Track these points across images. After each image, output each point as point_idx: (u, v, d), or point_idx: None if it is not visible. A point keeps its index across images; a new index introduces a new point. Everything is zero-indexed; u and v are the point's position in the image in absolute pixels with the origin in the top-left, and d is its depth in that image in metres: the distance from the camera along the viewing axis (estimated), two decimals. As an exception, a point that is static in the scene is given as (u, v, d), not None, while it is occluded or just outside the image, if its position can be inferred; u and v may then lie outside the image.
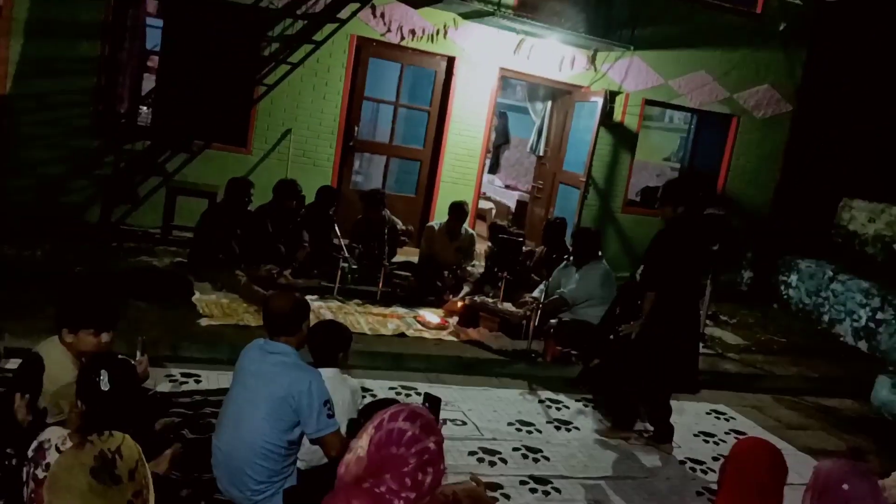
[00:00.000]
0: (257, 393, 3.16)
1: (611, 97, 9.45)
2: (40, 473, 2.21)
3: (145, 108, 8.85)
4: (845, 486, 2.34)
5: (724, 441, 5.21)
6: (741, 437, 5.27)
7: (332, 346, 3.66)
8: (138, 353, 3.50)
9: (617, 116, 9.69)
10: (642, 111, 9.89)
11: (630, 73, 9.64)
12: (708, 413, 5.74)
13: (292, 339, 3.32)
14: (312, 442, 3.21)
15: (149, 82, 8.87)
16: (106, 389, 2.31)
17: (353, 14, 7.93)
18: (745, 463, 2.40)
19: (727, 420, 5.68)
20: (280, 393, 3.11)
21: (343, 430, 3.28)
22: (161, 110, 8.42)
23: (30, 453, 2.48)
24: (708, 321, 7.63)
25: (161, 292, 5.90)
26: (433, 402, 2.91)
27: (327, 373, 3.51)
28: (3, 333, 2.69)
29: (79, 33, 7.52)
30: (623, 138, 9.82)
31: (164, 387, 4.51)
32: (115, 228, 7.55)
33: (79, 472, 1.72)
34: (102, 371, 2.35)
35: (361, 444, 2.06)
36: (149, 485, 1.88)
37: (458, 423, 4.77)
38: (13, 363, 3.18)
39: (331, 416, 3.14)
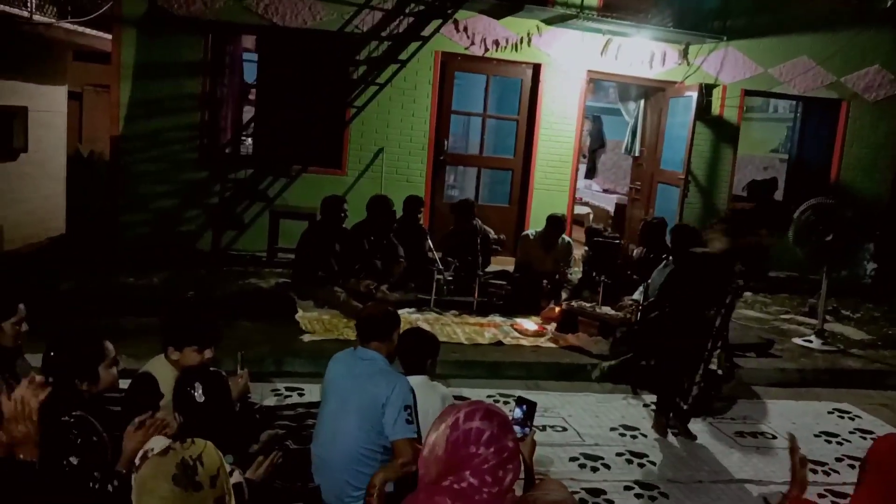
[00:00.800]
0: (349, 400, 3.22)
1: (707, 90, 9.13)
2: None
3: (247, 138, 9.28)
4: None
5: (848, 441, 4.87)
6: (868, 436, 4.92)
7: (420, 353, 3.67)
8: (238, 368, 3.64)
9: (715, 110, 9.34)
10: (742, 102, 9.49)
11: (726, 64, 9.28)
12: (830, 412, 5.38)
13: (383, 345, 3.38)
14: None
15: (248, 114, 9.30)
16: (201, 401, 2.40)
17: (436, 30, 8.04)
18: (887, 463, 2.18)
19: (852, 419, 5.31)
20: (370, 398, 3.16)
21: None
22: (261, 139, 8.81)
23: (137, 461, 2.62)
24: (828, 317, 7.19)
25: (266, 312, 6.15)
26: (529, 406, 2.85)
27: (416, 380, 3.53)
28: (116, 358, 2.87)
29: (182, 73, 8.00)
30: (723, 132, 9.44)
31: (270, 400, 4.67)
32: (224, 254, 7.92)
33: (161, 478, 1.78)
34: (197, 384, 2.45)
35: (438, 444, 2.06)
36: (230, 491, 1.93)
37: (559, 429, 4.68)
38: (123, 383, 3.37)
39: (409, 422, 3.13)
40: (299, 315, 6.20)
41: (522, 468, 2.28)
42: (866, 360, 6.51)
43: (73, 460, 2.47)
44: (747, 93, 9.51)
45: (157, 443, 2.59)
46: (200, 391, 2.47)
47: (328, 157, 8.43)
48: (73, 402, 2.61)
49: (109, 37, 8.53)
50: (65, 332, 2.81)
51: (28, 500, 2.06)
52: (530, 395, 5.08)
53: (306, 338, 5.73)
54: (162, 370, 3.29)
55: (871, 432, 5.04)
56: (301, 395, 4.86)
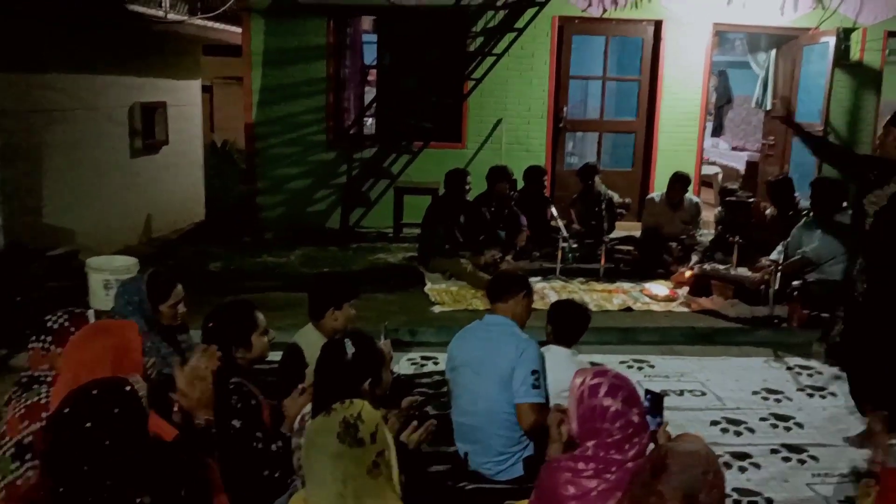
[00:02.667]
0: (485, 365, 3.28)
1: (845, 35, 8.49)
2: (301, 441, 2.50)
3: (369, 118, 9.54)
4: None
5: None
6: None
7: (569, 326, 3.68)
8: (382, 337, 3.81)
9: (854, 55, 8.69)
10: (885, 45, 8.77)
11: (865, 4, 8.59)
12: None
13: (509, 306, 3.41)
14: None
15: (369, 95, 9.55)
16: (350, 355, 2.54)
17: (553, -6, 7.91)
18: None
19: None
20: (504, 360, 3.22)
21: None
22: (382, 118, 9.03)
23: (296, 425, 2.81)
24: None
25: (397, 285, 6.37)
26: (655, 398, 2.80)
27: (560, 352, 3.57)
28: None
29: (307, 57, 8.32)
30: (864, 78, 8.78)
31: (407, 369, 4.85)
32: (353, 231, 8.23)
33: (327, 436, 1.91)
34: (347, 340, 2.59)
35: (571, 412, 2.14)
36: (390, 445, 2.05)
37: (697, 393, 4.60)
38: (274, 354, 3.61)
39: (536, 387, 3.16)
40: (428, 287, 6.37)
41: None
42: None
43: (237, 423, 2.68)
44: (891, 34, 8.77)
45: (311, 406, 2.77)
46: (350, 346, 2.58)
47: (448, 132, 8.53)
48: (232, 369, 2.81)
49: (237, 29, 8.98)
50: (220, 305, 3.04)
51: (206, 462, 2.25)
52: (666, 361, 5.07)
53: (436, 309, 5.88)
54: (311, 339, 3.49)
55: None
56: (436, 363, 5.00)
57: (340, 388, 2.43)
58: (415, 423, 3.08)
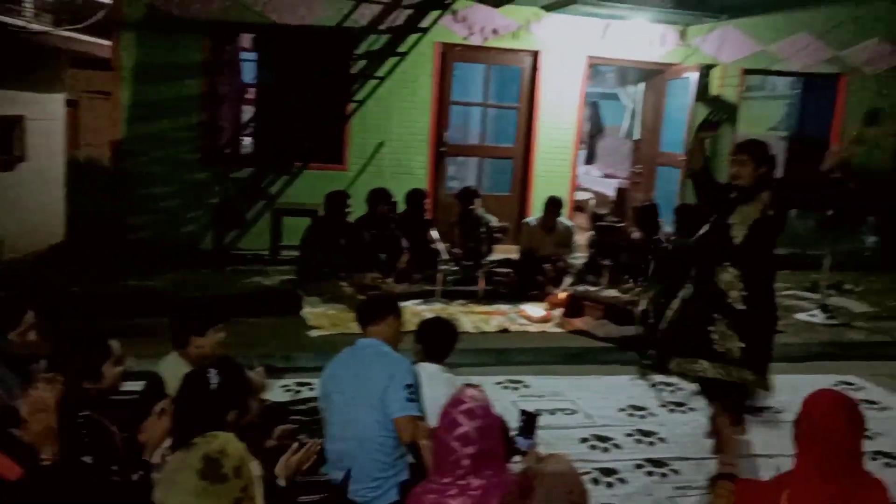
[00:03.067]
0: (356, 391, 3.25)
1: (705, 71, 9.11)
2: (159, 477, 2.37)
3: (246, 137, 9.32)
4: None
5: (855, 414, 4.90)
6: (873, 406, 4.96)
7: (437, 342, 3.71)
8: (255, 364, 3.71)
9: (714, 90, 9.32)
10: (741, 81, 9.47)
11: (725, 43, 9.26)
12: (836, 385, 5.40)
13: (381, 329, 3.41)
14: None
15: (247, 113, 9.34)
16: (215, 387, 2.43)
17: (435, 21, 8.05)
18: (816, 419, 2.22)
19: (857, 390, 5.33)
20: (376, 382, 3.20)
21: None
22: (261, 138, 8.84)
23: (156, 460, 2.67)
24: (831, 291, 7.22)
25: (272, 309, 6.21)
26: (529, 419, 2.84)
27: (429, 368, 3.58)
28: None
29: (182, 74, 8.04)
30: (722, 112, 9.42)
31: (281, 396, 4.71)
32: (227, 253, 7.98)
33: (187, 472, 1.83)
34: (211, 370, 2.48)
35: (434, 440, 2.18)
36: (255, 481, 1.98)
37: (569, 411, 4.73)
38: (133, 385, 3.43)
39: (412, 400, 3.16)
40: (305, 311, 6.25)
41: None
42: (869, 333, 6.56)
43: (88, 459, 2.51)
44: (746, 71, 9.49)
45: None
46: (215, 376, 2.48)
47: (329, 153, 8.46)
48: (82, 401, 2.64)
49: (107, 42, 8.56)
50: (69, 333, 2.86)
51: (54, 500, 2.10)
52: (540, 381, 5.18)
53: (314, 333, 5.78)
54: (173, 368, 3.32)
55: (876, 402, 5.09)
56: (311, 389, 4.88)
57: (202, 420, 2.32)
58: (295, 445, 2.99)
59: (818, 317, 6.77)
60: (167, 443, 2.63)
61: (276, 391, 4.76)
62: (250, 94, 9.45)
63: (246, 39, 9.29)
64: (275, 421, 4.03)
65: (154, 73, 7.94)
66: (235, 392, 2.57)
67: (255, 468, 2.52)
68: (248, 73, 9.25)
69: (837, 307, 7.19)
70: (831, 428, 2.15)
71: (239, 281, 7.19)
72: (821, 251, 6.96)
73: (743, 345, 4.16)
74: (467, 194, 7.59)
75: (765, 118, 12.37)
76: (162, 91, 8.00)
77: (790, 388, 5.26)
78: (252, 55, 9.31)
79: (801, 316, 6.85)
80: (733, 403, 4.20)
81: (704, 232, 4.48)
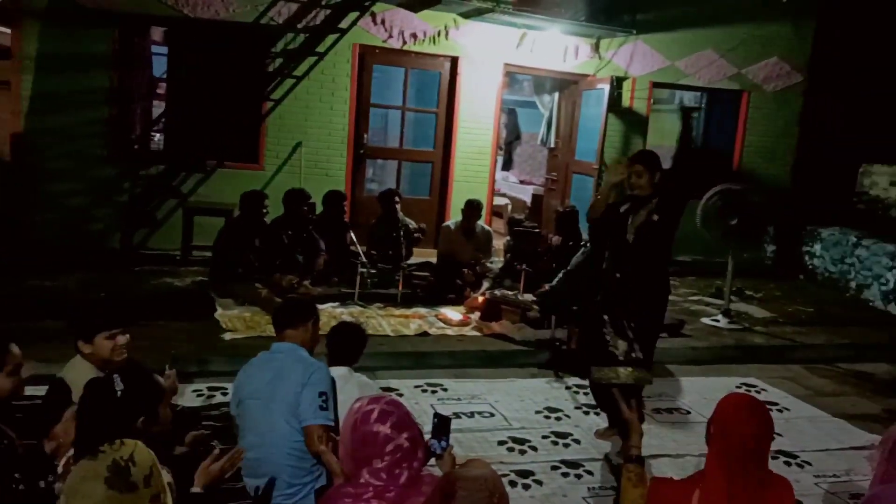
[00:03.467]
0: (271, 396, 3.19)
1: (617, 83, 9.41)
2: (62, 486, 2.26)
3: (157, 134, 9.00)
4: None
5: (756, 414, 5.16)
6: (773, 407, 5.22)
7: (346, 345, 3.70)
8: (167, 367, 3.57)
9: (625, 102, 9.65)
10: (650, 95, 9.84)
11: (635, 57, 9.59)
12: (738, 387, 5.67)
13: (298, 333, 3.37)
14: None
15: (159, 108, 9.03)
16: (119, 392, 2.33)
17: (354, 23, 8.00)
18: (728, 422, 2.30)
19: (758, 392, 5.63)
20: (292, 385, 3.16)
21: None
22: (172, 134, 8.56)
23: (60, 469, 2.54)
24: (733, 297, 7.57)
25: (184, 311, 6.02)
26: (442, 422, 2.87)
27: (338, 371, 3.58)
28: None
29: (88, 66, 7.68)
30: (633, 123, 9.77)
31: (193, 401, 4.57)
32: (137, 253, 7.68)
33: (94, 481, 1.75)
34: (115, 376, 2.38)
35: (346, 441, 2.21)
36: (166, 489, 1.92)
37: (486, 414, 4.78)
38: (36, 390, 3.26)
39: (323, 408, 3.13)
40: (219, 313, 6.08)
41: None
42: (769, 337, 6.91)
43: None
44: (655, 85, 9.86)
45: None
46: (119, 382, 2.38)
47: (244, 152, 8.27)
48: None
49: (6, 30, 8.10)
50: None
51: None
52: (459, 384, 5.23)
53: (228, 336, 5.62)
54: (79, 372, 3.18)
55: (776, 403, 5.36)
56: (224, 394, 4.77)
57: (107, 428, 2.22)
58: (217, 451, 2.90)
59: (722, 321, 7.09)
60: (71, 451, 2.52)
61: (189, 396, 4.63)
62: (162, 89, 9.15)
63: (157, 33, 8.99)
64: (187, 426, 3.92)
65: (59, 64, 7.55)
66: (142, 398, 2.48)
67: (166, 476, 2.45)
68: (160, 67, 8.94)
69: (739, 312, 7.56)
70: (739, 430, 2.24)
71: (149, 282, 6.93)
72: (724, 259, 7.29)
73: (630, 345, 4.25)
74: (388, 195, 7.57)
75: (673, 130, 12.88)
76: (67, 83, 7.61)
77: (696, 390, 5.55)
78: (164, 49, 9.01)
79: (706, 320, 7.16)
80: (634, 398, 4.28)
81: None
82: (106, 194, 7.86)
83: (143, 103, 8.35)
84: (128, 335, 3.24)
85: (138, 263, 7.44)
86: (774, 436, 2.35)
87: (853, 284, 8.89)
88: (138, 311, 5.81)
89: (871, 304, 8.58)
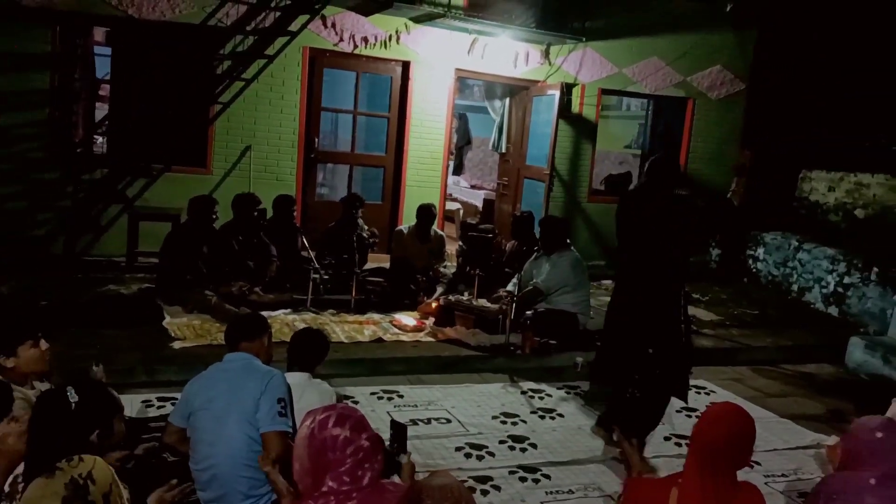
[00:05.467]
0: (225, 406, 3.12)
1: (567, 89, 9.53)
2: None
3: (100, 136, 8.74)
4: (879, 435, 2.40)
5: (706, 415, 5.26)
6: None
7: (307, 351, 3.67)
8: (93, 365, 3.53)
9: (575, 108, 9.77)
10: (599, 101, 9.98)
11: (584, 64, 9.73)
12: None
13: (252, 346, 3.36)
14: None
15: (102, 111, 8.77)
16: (74, 403, 2.24)
17: (304, 26, 7.88)
18: (703, 423, 2.47)
19: (707, 394, 5.75)
20: (246, 395, 3.10)
21: None
22: (116, 137, 8.32)
23: (6, 488, 2.42)
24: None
25: (131, 319, 5.85)
26: (398, 430, 2.84)
27: (296, 377, 3.57)
28: None
29: (28, 66, 7.42)
30: (583, 129, 9.90)
31: (142, 412, 4.44)
32: (80, 259, 7.44)
33: (50, 501, 1.67)
34: (69, 387, 2.29)
35: (301, 455, 2.19)
36: (124, 506, 1.84)
37: (443, 420, 4.75)
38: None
39: (281, 415, 3.09)
40: (167, 321, 5.92)
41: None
42: (717, 339, 7.06)
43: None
44: (604, 91, 10.01)
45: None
46: (74, 394, 2.29)
47: (192, 156, 8.09)
48: None
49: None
50: None
51: None
52: (414, 391, 5.19)
53: (177, 345, 5.48)
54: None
55: (725, 405, 5.46)
56: (174, 404, 4.64)
57: (62, 442, 2.13)
58: (173, 481, 2.83)
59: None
60: (19, 468, 2.41)
61: (137, 406, 4.49)
62: (105, 91, 8.89)
63: (100, 33, 8.73)
64: (135, 437, 3.80)
65: (-4, 64, 7.29)
66: (97, 410, 2.40)
67: (125, 493, 2.36)
68: (103, 68, 8.69)
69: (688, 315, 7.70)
70: (711, 430, 2.38)
71: (93, 289, 6.70)
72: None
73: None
74: (352, 199, 7.51)
75: (621, 136, 13.12)
76: (5, 83, 7.34)
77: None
78: (107, 50, 8.76)
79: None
80: (633, 425, 4.23)
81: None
82: (47, 199, 7.60)
83: (85, 105, 8.09)
84: (47, 343, 3.15)
85: (82, 270, 7.20)
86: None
87: (795, 287, 9.17)
88: (81, 319, 5.67)
89: (812, 305, 8.85)
